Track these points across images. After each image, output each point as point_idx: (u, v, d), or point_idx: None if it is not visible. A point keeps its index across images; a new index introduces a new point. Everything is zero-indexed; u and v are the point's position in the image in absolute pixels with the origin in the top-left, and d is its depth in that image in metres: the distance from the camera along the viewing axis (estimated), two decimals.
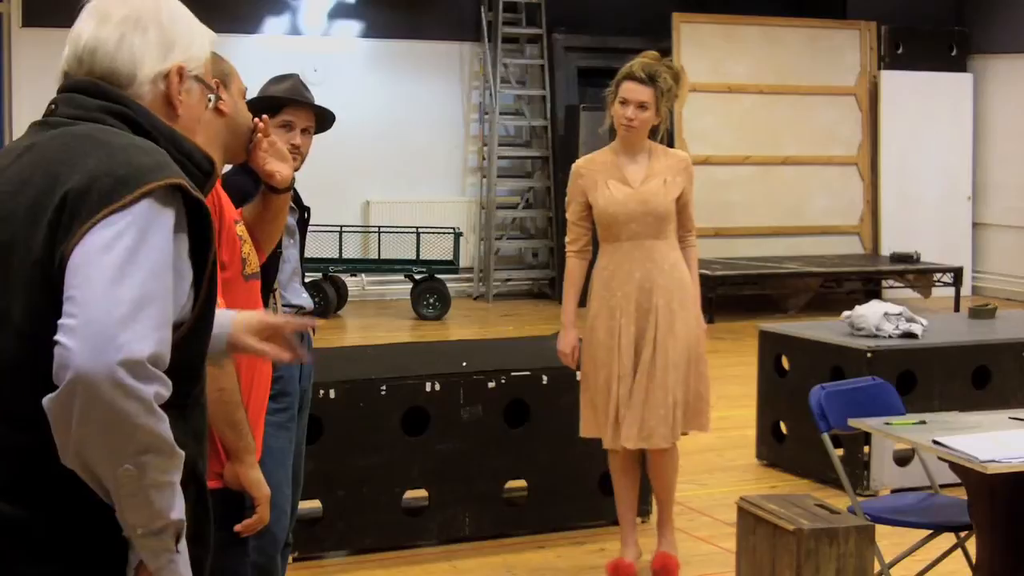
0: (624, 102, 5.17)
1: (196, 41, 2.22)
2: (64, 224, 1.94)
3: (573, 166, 5.40)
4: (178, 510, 1.99)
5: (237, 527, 2.94)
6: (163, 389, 1.92)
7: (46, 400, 1.90)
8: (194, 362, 2.09)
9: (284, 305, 4.05)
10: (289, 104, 3.98)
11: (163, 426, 1.93)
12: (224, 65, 3.13)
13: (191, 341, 2.06)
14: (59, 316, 1.91)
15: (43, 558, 1.98)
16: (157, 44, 2.15)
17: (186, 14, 2.22)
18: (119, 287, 1.90)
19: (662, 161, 5.27)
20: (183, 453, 1.98)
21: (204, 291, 2.07)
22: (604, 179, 5.22)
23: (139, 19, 2.14)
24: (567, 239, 5.38)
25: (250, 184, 3.72)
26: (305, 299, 4.18)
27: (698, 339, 5.25)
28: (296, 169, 3.67)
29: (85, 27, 2.15)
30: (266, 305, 3.54)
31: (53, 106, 2.14)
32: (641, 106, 5.15)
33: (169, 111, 2.17)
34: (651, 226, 5.18)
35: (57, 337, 1.88)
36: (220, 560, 2.92)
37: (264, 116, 3.21)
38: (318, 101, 4.07)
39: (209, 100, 2.28)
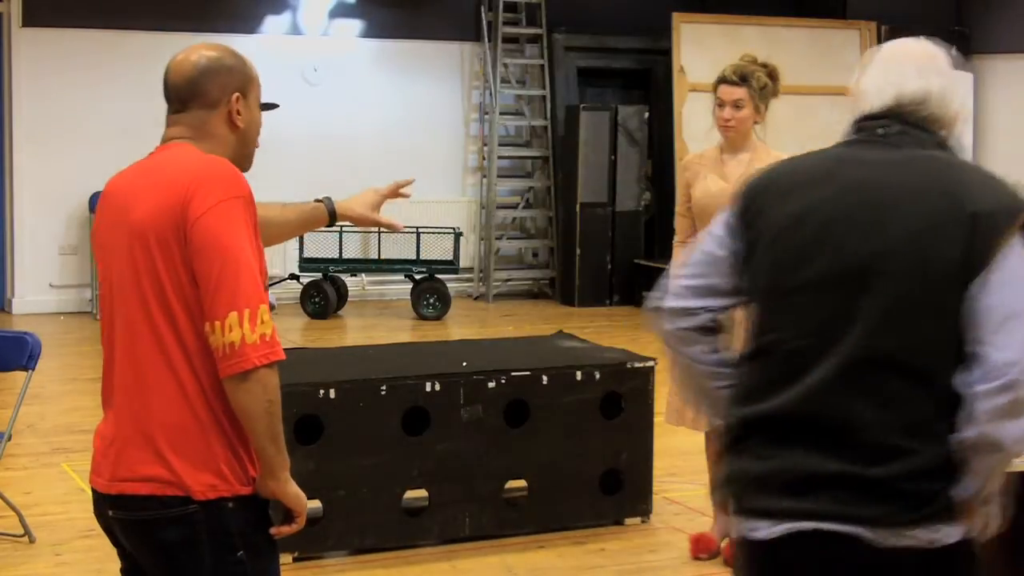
0: (721, 104, 5.49)
1: None
2: (977, 245, 2.48)
3: (683, 160, 5.72)
4: None
5: (273, 530, 2.92)
6: None
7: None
8: None
9: None
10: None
11: None
12: (248, 70, 3.01)
13: None
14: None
15: None
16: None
17: None
18: None
19: (764, 161, 5.47)
20: None
21: None
22: (706, 172, 5.54)
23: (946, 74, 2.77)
24: (676, 230, 5.68)
25: None
26: None
27: None
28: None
29: (907, 76, 2.83)
30: None
31: (881, 130, 2.84)
32: (735, 105, 5.45)
33: None
34: None
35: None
36: (257, 563, 2.92)
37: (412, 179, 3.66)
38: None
39: None
